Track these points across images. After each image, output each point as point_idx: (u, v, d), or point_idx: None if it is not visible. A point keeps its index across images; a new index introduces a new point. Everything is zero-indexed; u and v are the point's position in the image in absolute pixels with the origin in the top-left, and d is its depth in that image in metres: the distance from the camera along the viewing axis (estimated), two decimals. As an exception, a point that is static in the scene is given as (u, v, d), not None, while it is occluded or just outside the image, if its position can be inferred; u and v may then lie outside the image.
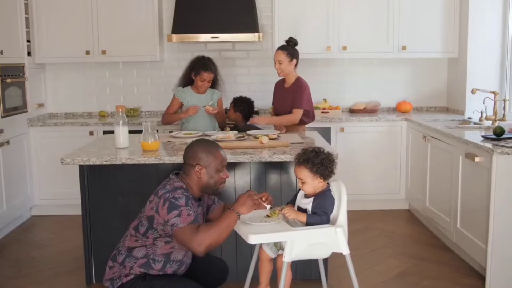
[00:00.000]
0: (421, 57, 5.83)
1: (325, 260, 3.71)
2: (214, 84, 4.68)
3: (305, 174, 2.82)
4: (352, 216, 5.28)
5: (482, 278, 3.77)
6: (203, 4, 5.53)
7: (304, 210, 2.86)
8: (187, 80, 4.66)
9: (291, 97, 4.52)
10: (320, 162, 2.79)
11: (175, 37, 5.45)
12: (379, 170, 5.50)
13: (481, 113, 4.95)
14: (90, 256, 3.76)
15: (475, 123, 4.97)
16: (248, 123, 4.78)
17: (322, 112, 5.56)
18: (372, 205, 5.57)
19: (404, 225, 5.14)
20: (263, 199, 2.88)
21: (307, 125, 4.69)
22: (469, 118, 5.24)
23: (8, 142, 4.89)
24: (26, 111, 5.35)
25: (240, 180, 3.73)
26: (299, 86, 4.52)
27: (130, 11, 5.55)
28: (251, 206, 2.79)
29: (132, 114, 5.82)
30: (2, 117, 4.84)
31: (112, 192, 3.70)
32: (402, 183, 5.51)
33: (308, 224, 2.77)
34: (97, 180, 3.69)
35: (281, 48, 4.54)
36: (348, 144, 5.46)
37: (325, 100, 5.88)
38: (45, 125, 5.47)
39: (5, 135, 4.85)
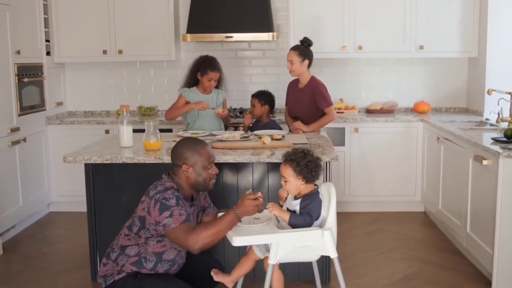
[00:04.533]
0: (439, 57, 5.70)
1: (327, 263, 3.69)
2: (218, 83, 4.64)
3: (289, 172, 2.84)
4: (366, 217, 5.28)
5: (489, 283, 3.66)
6: (218, 3, 5.54)
7: (293, 212, 2.84)
8: (193, 80, 4.61)
9: (309, 97, 4.50)
10: (305, 164, 2.81)
11: (189, 36, 5.49)
12: (394, 172, 5.41)
13: (498, 114, 4.81)
14: (96, 253, 3.82)
15: (491, 125, 4.83)
16: (292, 127, 4.53)
17: (337, 112, 5.49)
18: (386, 207, 5.49)
19: (417, 228, 5.04)
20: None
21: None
22: (486, 119, 5.09)
23: (24, 140, 5.00)
24: (45, 110, 5.47)
25: (242, 180, 3.72)
26: (317, 86, 4.49)
27: (146, 11, 5.61)
28: (252, 209, 2.75)
29: (148, 113, 5.88)
30: (19, 115, 4.96)
31: (116, 191, 3.75)
32: (418, 185, 5.40)
33: (290, 224, 2.76)
34: (102, 178, 3.74)
35: (293, 48, 4.52)
36: (362, 144, 5.39)
37: (341, 100, 5.82)
38: (62, 123, 5.59)
39: (21, 132, 4.96)
